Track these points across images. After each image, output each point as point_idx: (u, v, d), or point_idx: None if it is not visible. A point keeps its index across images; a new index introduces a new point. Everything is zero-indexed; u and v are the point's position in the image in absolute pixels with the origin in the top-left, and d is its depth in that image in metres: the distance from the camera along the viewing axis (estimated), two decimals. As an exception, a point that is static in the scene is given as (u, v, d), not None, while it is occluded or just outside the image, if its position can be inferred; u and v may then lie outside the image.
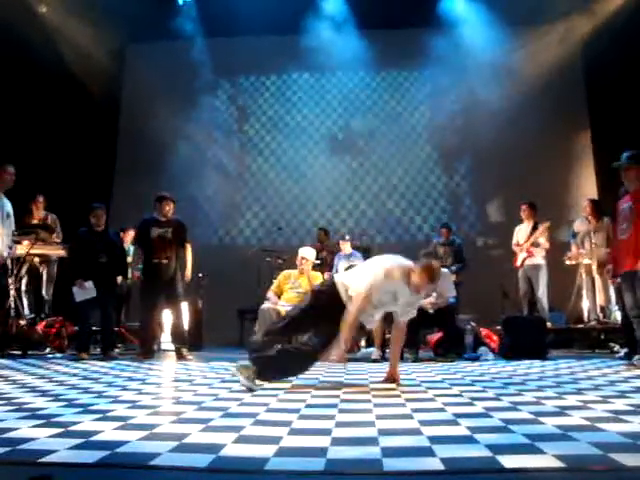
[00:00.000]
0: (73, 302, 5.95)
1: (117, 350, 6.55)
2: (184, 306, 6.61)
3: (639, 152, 4.69)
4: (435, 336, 6.08)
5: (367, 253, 8.21)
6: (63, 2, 9.39)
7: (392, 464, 1.70)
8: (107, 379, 3.99)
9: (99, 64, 9.68)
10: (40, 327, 6.51)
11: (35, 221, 7.19)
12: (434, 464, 1.69)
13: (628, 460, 1.68)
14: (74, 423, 2.30)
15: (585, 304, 7.36)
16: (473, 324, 6.38)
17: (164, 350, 7.12)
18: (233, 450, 1.88)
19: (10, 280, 6.30)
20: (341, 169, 10.51)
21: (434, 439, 1.99)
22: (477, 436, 2.02)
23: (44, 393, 3.22)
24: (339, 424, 2.29)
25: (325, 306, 3.56)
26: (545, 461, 1.70)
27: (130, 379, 4.00)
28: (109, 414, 2.53)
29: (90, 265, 5.99)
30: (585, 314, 7.36)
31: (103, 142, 10.27)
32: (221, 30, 10.22)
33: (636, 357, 4.64)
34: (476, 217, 10.15)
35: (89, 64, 9.50)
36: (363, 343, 7.08)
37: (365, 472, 1.67)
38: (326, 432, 2.13)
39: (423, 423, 2.27)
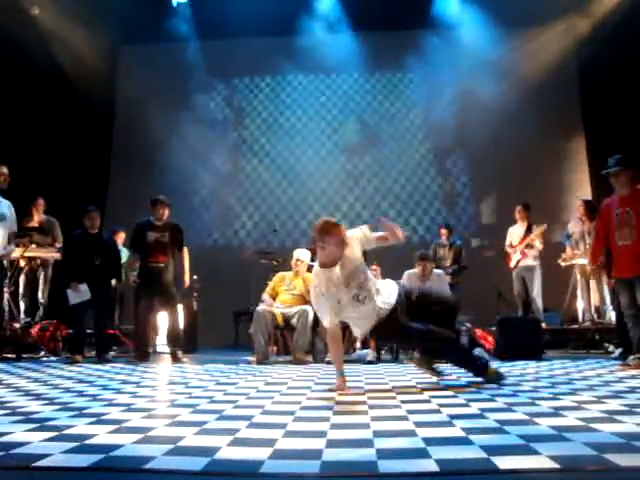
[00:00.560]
0: (67, 305, 5.93)
1: (112, 353, 6.53)
2: (179, 308, 6.60)
3: (626, 156, 4.71)
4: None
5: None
6: (56, 4, 9.35)
7: (387, 466, 1.70)
8: (102, 382, 3.97)
9: (93, 66, 9.65)
10: (34, 330, 6.49)
11: (34, 224, 7.17)
12: (429, 466, 1.69)
13: (622, 460, 1.68)
14: (68, 427, 2.29)
15: (580, 304, 7.39)
16: (468, 325, 6.39)
17: (159, 353, 7.10)
18: (228, 453, 1.88)
19: (4, 283, 6.29)
20: (336, 170, 10.51)
21: (429, 440, 1.99)
22: (472, 437, 2.02)
23: (38, 396, 3.20)
24: (334, 426, 2.29)
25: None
26: (540, 462, 1.70)
27: (125, 382, 3.99)
28: (103, 417, 2.52)
29: (84, 267, 5.97)
30: (580, 314, 7.38)
31: (97, 144, 10.24)
32: (216, 32, 10.21)
33: (631, 357, 4.65)
34: (470, 218, 10.17)
35: (83, 66, 9.47)
36: (358, 345, 7.08)
37: (360, 474, 1.67)
38: (321, 434, 2.13)
39: (418, 424, 2.27)
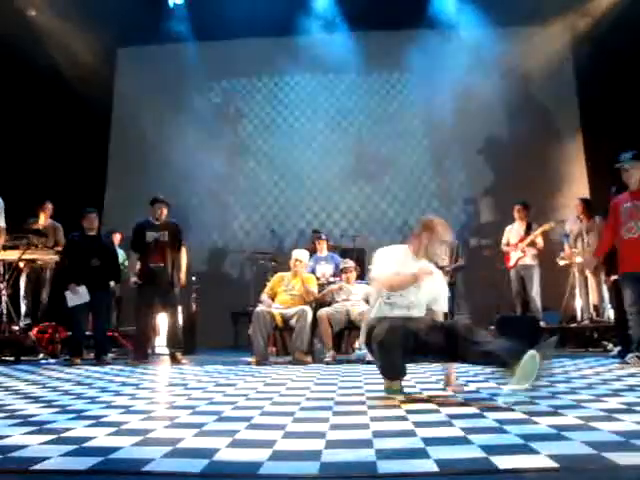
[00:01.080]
0: (66, 307, 5.92)
1: (111, 355, 6.52)
2: (178, 310, 6.60)
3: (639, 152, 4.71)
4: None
5: (361, 255, 8.22)
6: (53, 5, 9.34)
7: (386, 466, 1.70)
8: (100, 384, 3.97)
9: (90, 67, 9.62)
10: (33, 332, 6.48)
11: (39, 227, 7.17)
12: (428, 466, 1.69)
13: (622, 459, 1.68)
14: (67, 429, 2.28)
15: (578, 303, 7.39)
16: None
17: (158, 354, 7.10)
18: (227, 454, 1.88)
19: (2, 285, 6.28)
20: (333, 171, 10.50)
21: (428, 440, 1.99)
22: (471, 437, 2.02)
23: (37, 399, 3.20)
24: (333, 427, 2.28)
25: None
26: (539, 461, 1.70)
27: (124, 384, 3.99)
28: (102, 420, 2.52)
29: (83, 269, 5.97)
30: (578, 313, 7.39)
31: (95, 146, 10.22)
32: (212, 33, 10.20)
33: (630, 355, 4.66)
34: (469, 218, 10.18)
35: (80, 67, 9.45)
36: (357, 345, 7.08)
37: (359, 475, 1.66)
38: (320, 435, 2.12)
39: (417, 424, 2.27)
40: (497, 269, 8.11)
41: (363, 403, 2.91)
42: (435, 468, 1.66)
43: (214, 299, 8.35)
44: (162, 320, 6.78)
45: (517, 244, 7.50)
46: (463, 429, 2.16)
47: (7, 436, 2.16)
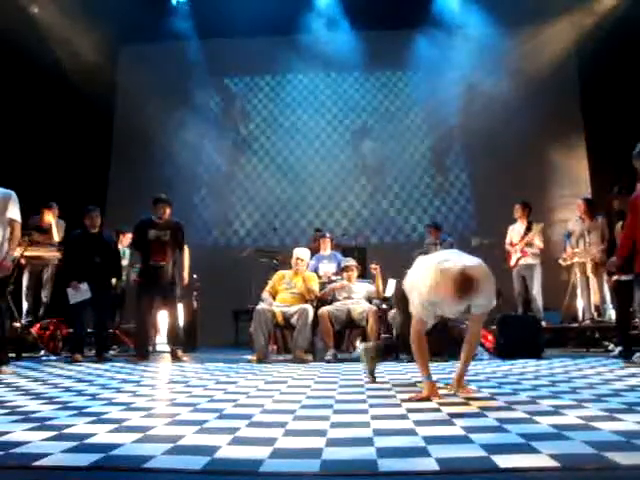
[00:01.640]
0: (68, 304, 5.93)
1: (112, 352, 6.53)
2: (179, 307, 6.61)
3: None
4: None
5: (362, 253, 8.21)
6: (56, 2, 9.34)
7: (387, 464, 1.70)
8: (101, 381, 3.97)
9: (93, 65, 9.63)
10: (34, 329, 6.49)
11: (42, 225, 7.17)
12: (429, 464, 1.69)
13: (622, 459, 1.68)
14: (68, 426, 2.29)
15: (580, 303, 7.38)
16: (467, 323, 6.38)
17: (159, 351, 7.11)
18: (228, 452, 1.88)
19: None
20: (335, 169, 10.51)
21: (429, 439, 1.98)
22: (472, 436, 2.02)
23: (38, 396, 3.20)
24: (334, 425, 2.28)
25: None
26: (540, 460, 1.70)
27: (125, 381, 3.99)
28: (103, 416, 2.52)
29: (84, 267, 5.97)
30: (580, 313, 7.38)
31: (97, 143, 10.23)
32: (215, 31, 10.21)
33: (637, 355, 4.65)
34: (470, 217, 10.17)
35: (83, 65, 9.45)
36: (358, 343, 7.08)
37: (360, 473, 1.67)
38: (321, 433, 2.12)
39: (418, 423, 2.27)
40: (499, 268, 8.08)
41: (364, 401, 2.91)
42: (436, 467, 1.66)
43: (215, 297, 8.34)
44: (163, 318, 6.78)
45: (516, 244, 7.49)
46: (464, 428, 2.16)
47: (9, 432, 2.17)
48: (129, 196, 9.11)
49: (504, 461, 1.69)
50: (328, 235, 7.53)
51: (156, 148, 10.07)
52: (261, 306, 5.95)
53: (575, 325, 7.32)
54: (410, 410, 2.58)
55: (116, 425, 2.31)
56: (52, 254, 6.98)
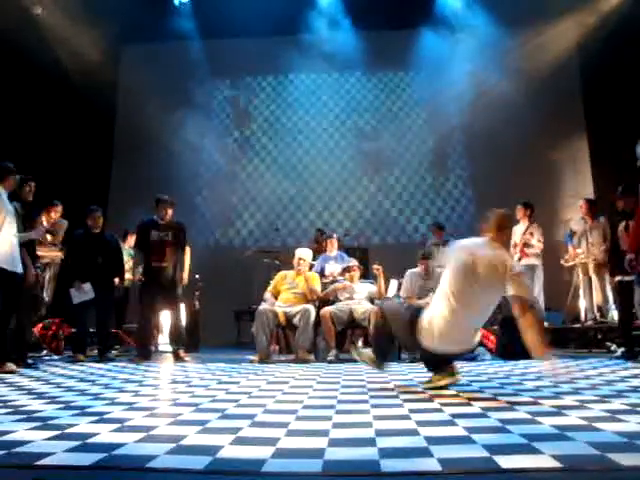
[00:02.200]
0: (70, 304, 5.94)
1: (114, 352, 6.54)
2: (181, 307, 6.61)
3: None
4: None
5: (364, 254, 8.20)
6: (58, 2, 9.36)
7: (389, 465, 1.70)
8: (104, 381, 3.98)
9: (95, 64, 9.65)
10: (37, 329, 6.50)
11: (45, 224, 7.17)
12: (431, 465, 1.69)
13: (625, 460, 1.68)
14: (71, 425, 2.29)
15: (582, 304, 7.37)
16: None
17: (161, 352, 7.11)
18: (230, 452, 1.88)
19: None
20: (337, 169, 10.52)
21: (431, 440, 1.98)
22: (474, 436, 2.02)
23: (41, 395, 3.21)
24: (336, 425, 2.28)
25: None
26: (542, 461, 1.70)
27: (127, 381, 3.99)
28: (106, 416, 2.52)
29: (87, 267, 5.98)
30: (582, 314, 7.37)
31: (99, 143, 10.25)
32: (217, 30, 10.22)
33: None
34: (473, 217, 10.15)
35: (85, 64, 9.47)
36: (360, 344, 7.07)
37: (362, 473, 1.67)
38: (323, 433, 2.12)
39: (420, 424, 2.27)
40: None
41: (366, 402, 2.90)
42: (438, 467, 1.66)
43: (217, 297, 8.35)
44: (165, 318, 6.79)
45: (516, 245, 7.48)
46: (466, 428, 2.16)
47: (11, 431, 2.17)
48: (131, 196, 9.12)
49: (506, 461, 1.69)
50: (335, 235, 7.50)
51: (158, 148, 10.07)
52: (263, 306, 5.95)
53: (577, 326, 7.30)
54: (412, 410, 2.58)
55: (118, 425, 2.31)
56: (54, 254, 6.99)
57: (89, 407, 2.78)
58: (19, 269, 4.70)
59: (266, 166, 10.67)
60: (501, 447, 1.86)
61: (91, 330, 6.30)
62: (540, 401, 2.80)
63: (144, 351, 6.09)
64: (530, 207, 7.57)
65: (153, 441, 2.03)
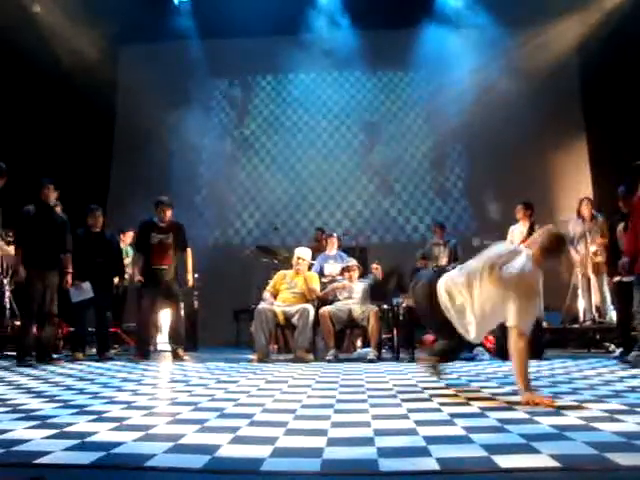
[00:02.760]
0: (69, 303, 5.94)
1: (113, 351, 6.54)
2: (180, 307, 6.61)
3: None
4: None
5: (363, 253, 8.20)
6: (57, 1, 9.35)
7: (388, 464, 1.70)
8: (103, 380, 3.98)
9: (95, 64, 9.63)
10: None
11: None
12: (430, 464, 1.69)
13: (623, 460, 1.68)
14: (69, 424, 2.29)
15: (581, 304, 7.37)
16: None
17: (160, 351, 7.11)
18: (229, 451, 1.88)
19: (5, 281, 6.29)
20: (337, 169, 10.51)
21: (430, 439, 1.99)
22: (473, 436, 2.02)
23: (39, 394, 3.21)
24: (335, 424, 2.29)
25: None
26: (541, 461, 1.70)
27: (126, 380, 4.00)
28: (104, 415, 2.52)
29: (87, 266, 5.98)
30: (580, 314, 7.37)
31: (99, 142, 10.24)
32: (217, 30, 10.20)
33: (633, 354, 4.64)
34: (472, 217, 10.17)
35: (84, 64, 9.45)
36: (359, 343, 7.08)
37: (361, 472, 1.67)
38: (322, 432, 2.13)
39: (419, 423, 2.27)
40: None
41: (364, 401, 2.91)
42: (436, 467, 1.66)
43: (216, 296, 8.35)
44: (164, 317, 6.78)
45: (518, 245, 7.46)
46: (465, 428, 2.16)
47: (10, 430, 2.17)
48: (130, 195, 9.10)
49: (505, 461, 1.69)
50: (334, 235, 7.49)
51: (157, 147, 10.07)
52: (262, 306, 5.95)
53: (576, 326, 7.31)
54: (411, 410, 2.59)
55: (117, 424, 2.31)
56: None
57: (88, 406, 2.78)
58: None
59: (265, 165, 10.66)
60: (500, 447, 1.86)
61: (90, 329, 6.30)
62: (539, 401, 2.80)
63: (143, 350, 6.09)
64: (530, 207, 7.56)
65: (152, 440, 2.04)
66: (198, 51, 10.48)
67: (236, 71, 11.10)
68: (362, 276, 6.57)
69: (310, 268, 6.56)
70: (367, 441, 1.99)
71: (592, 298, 7.22)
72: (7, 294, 6.26)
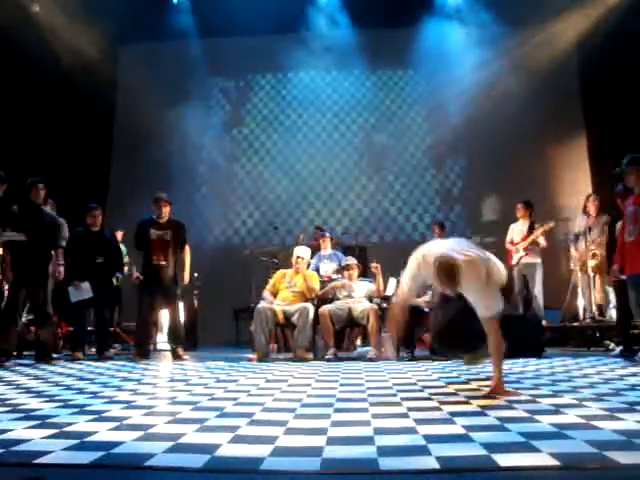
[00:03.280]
0: (69, 302, 5.94)
1: (113, 350, 6.54)
2: (180, 306, 6.62)
3: (638, 156, 4.74)
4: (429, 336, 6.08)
5: (363, 252, 8.21)
6: (57, 1, 9.34)
7: (388, 463, 1.70)
8: (102, 380, 3.98)
9: (94, 63, 9.62)
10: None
11: None
12: (430, 463, 1.69)
13: (623, 458, 1.68)
14: (69, 424, 2.29)
15: (580, 302, 7.37)
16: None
17: (160, 350, 7.12)
18: (229, 450, 1.88)
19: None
20: (336, 168, 10.51)
21: (430, 438, 1.98)
22: (473, 434, 2.02)
23: (39, 394, 3.21)
24: (335, 423, 2.28)
25: None
26: (540, 459, 1.70)
27: (125, 379, 4.00)
28: (104, 415, 2.52)
29: (86, 265, 5.98)
30: (580, 312, 7.37)
31: (98, 141, 10.23)
32: (216, 29, 10.19)
33: None
34: (471, 216, 10.17)
35: (84, 63, 9.45)
36: (359, 342, 7.09)
37: (361, 471, 1.67)
38: (322, 431, 2.13)
39: (419, 422, 2.27)
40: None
41: (364, 400, 2.91)
42: (436, 465, 1.66)
43: (216, 295, 8.36)
44: (164, 316, 6.78)
45: (518, 243, 7.47)
46: (464, 427, 2.16)
47: (10, 430, 2.17)
48: (130, 194, 9.10)
49: (505, 460, 1.69)
50: (327, 235, 7.50)
51: (157, 146, 10.06)
52: (262, 305, 5.95)
53: (576, 324, 7.31)
54: (411, 409, 2.59)
55: (117, 423, 2.31)
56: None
57: (87, 405, 2.78)
58: None
59: (265, 164, 10.66)
60: (499, 445, 1.86)
61: (90, 329, 6.30)
62: (538, 399, 2.80)
63: (143, 349, 6.09)
64: (530, 206, 7.56)
65: (151, 439, 2.03)
66: (198, 50, 10.47)
67: (236, 70, 11.09)
68: (362, 275, 6.57)
69: (309, 267, 6.56)
70: (367, 440, 1.98)
71: (592, 296, 7.22)
72: (7, 294, 6.24)
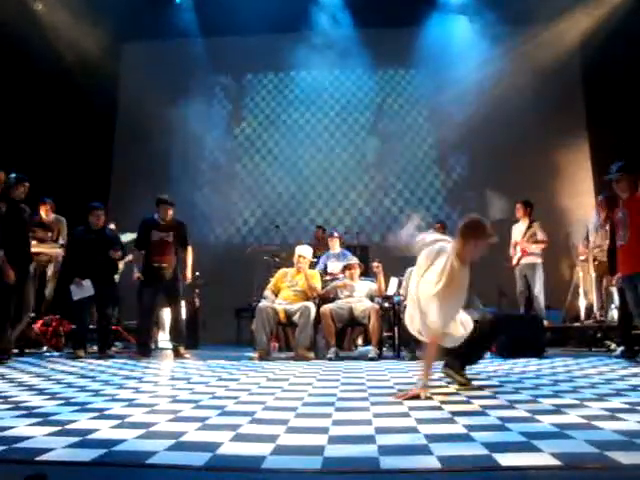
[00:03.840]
0: (70, 300, 5.95)
1: (114, 349, 6.55)
2: (181, 304, 6.62)
3: (628, 163, 4.85)
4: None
5: (364, 251, 8.20)
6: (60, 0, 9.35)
7: (389, 462, 1.70)
8: (104, 377, 3.99)
9: (96, 62, 9.62)
10: (37, 326, 6.50)
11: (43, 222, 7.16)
12: (431, 462, 1.69)
13: (624, 458, 1.68)
14: (71, 421, 2.30)
15: (582, 302, 7.37)
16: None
17: (161, 348, 7.12)
18: (230, 448, 1.88)
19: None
20: (338, 167, 10.50)
21: (431, 437, 1.99)
22: (474, 434, 2.02)
23: (41, 391, 3.21)
24: (336, 422, 2.29)
25: None
26: (542, 459, 1.70)
27: (127, 377, 4.00)
28: (106, 412, 2.53)
29: (88, 264, 5.99)
30: (582, 312, 7.37)
31: (100, 140, 10.24)
32: (218, 28, 10.19)
33: None
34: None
35: (86, 62, 9.45)
36: (360, 342, 7.09)
37: (362, 470, 1.67)
38: (323, 430, 2.13)
39: (420, 421, 2.27)
40: (502, 267, 8.07)
41: (366, 399, 2.91)
42: (437, 464, 1.66)
43: (217, 294, 8.35)
44: (166, 315, 6.79)
45: (517, 243, 7.46)
46: (466, 426, 2.16)
47: (12, 427, 2.18)
48: (131, 193, 9.09)
49: (506, 459, 1.69)
50: (336, 234, 7.48)
51: (159, 145, 10.06)
52: (263, 304, 5.96)
53: (577, 324, 7.31)
54: (412, 408, 2.59)
55: (119, 421, 2.31)
56: (55, 250, 6.99)
57: (89, 403, 2.78)
58: None
59: (267, 163, 10.66)
60: (500, 445, 1.86)
61: (91, 327, 6.31)
62: (539, 399, 2.81)
63: (144, 348, 6.10)
64: (530, 206, 7.56)
65: (153, 437, 2.04)
66: (200, 48, 10.47)
67: (238, 68, 11.08)
68: (363, 274, 6.57)
69: (311, 266, 6.56)
70: (368, 439, 1.99)
71: (593, 296, 7.21)
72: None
